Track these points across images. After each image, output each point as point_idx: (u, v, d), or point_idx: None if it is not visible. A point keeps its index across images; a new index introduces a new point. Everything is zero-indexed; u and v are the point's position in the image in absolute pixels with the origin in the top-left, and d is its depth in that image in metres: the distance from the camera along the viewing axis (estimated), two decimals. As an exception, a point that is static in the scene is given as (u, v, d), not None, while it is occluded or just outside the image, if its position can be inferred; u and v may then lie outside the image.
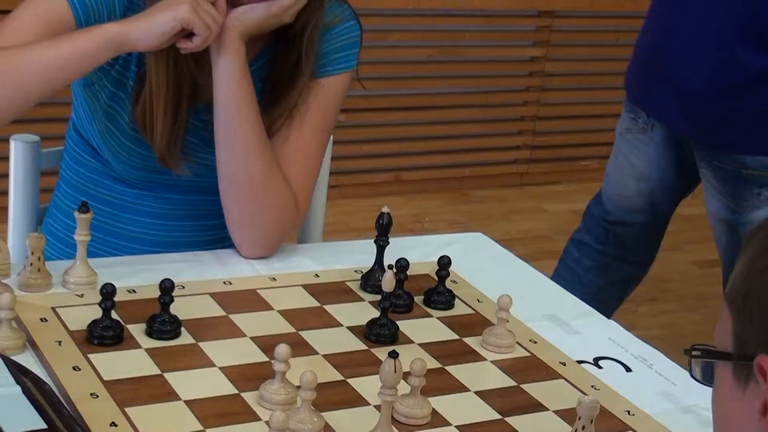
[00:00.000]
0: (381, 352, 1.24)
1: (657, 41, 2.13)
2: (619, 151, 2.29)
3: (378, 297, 1.32)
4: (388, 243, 1.41)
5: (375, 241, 1.41)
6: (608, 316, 1.42)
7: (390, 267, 1.33)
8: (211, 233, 1.53)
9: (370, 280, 1.41)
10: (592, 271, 2.37)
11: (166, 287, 1.21)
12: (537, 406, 1.21)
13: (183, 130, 1.45)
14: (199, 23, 1.33)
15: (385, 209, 1.40)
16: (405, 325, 1.32)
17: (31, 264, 1.28)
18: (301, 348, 1.23)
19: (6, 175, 1.56)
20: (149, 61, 1.41)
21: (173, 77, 1.41)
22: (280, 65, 1.47)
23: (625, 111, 2.27)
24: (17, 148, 1.54)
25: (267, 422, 1.01)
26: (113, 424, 1.05)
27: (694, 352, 0.88)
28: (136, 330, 1.22)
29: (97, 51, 1.33)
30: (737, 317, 0.83)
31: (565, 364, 1.30)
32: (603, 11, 3.87)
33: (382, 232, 1.40)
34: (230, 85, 1.39)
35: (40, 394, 1.04)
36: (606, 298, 2.37)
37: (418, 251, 1.52)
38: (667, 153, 2.20)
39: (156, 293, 1.22)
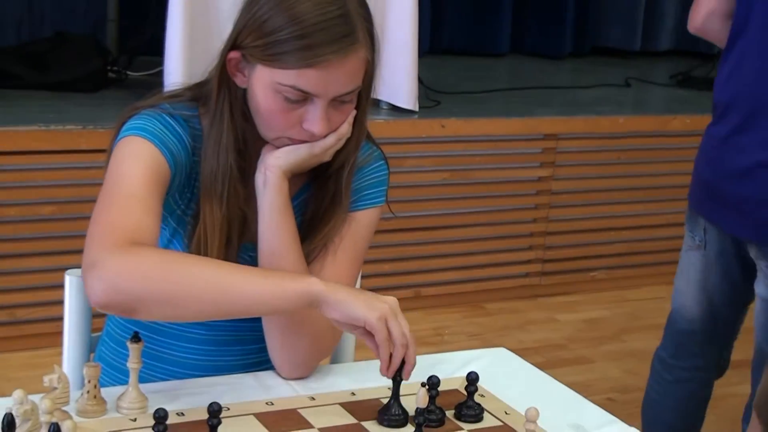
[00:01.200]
0: (417, 466, 1.25)
1: (717, 160, 2.21)
2: (681, 266, 2.38)
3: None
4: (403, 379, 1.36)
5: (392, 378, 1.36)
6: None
7: (423, 384, 1.34)
8: (254, 356, 1.54)
9: (386, 414, 1.36)
10: (674, 383, 2.42)
11: (214, 410, 1.22)
12: None
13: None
14: (382, 334, 1.29)
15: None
16: (438, 439, 1.32)
17: (88, 392, 1.30)
18: (341, 464, 1.24)
19: (61, 302, 1.58)
20: (204, 199, 1.43)
21: (226, 214, 1.43)
22: (318, 200, 1.50)
23: (686, 229, 2.35)
24: (71, 283, 1.56)
25: None
26: None
27: None
28: (187, 451, 1.23)
29: (294, 298, 1.29)
30: (766, 429, 0.84)
31: (591, 473, 1.29)
32: (602, 132, 3.93)
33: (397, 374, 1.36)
34: (274, 219, 1.42)
35: None
36: (697, 405, 2.43)
37: (444, 368, 1.53)
38: (719, 267, 2.28)
39: (204, 416, 1.23)
